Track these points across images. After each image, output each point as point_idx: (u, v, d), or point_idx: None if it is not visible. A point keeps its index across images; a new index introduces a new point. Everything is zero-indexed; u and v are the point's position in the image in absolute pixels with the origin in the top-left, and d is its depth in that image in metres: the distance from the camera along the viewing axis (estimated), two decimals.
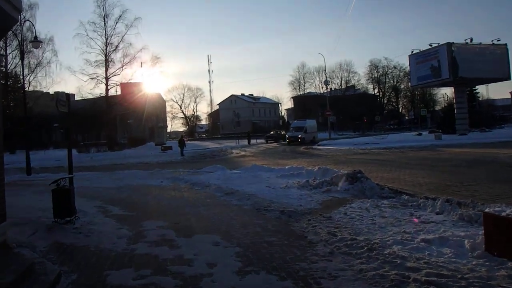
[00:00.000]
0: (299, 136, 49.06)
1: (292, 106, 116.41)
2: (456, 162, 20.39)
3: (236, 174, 18.43)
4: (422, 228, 7.96)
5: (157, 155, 41.48)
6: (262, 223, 9.14)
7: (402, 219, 8.84)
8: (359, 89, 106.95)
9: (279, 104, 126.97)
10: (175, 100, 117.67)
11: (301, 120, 58.84)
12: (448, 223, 8.31)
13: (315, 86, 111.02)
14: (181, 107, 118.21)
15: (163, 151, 46.19)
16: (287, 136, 51.46)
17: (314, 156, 30.32)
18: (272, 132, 63.77)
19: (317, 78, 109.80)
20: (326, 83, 69.42)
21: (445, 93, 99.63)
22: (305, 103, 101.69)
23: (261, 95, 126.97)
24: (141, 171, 22.39)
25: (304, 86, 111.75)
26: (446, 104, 77.59)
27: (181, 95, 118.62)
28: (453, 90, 55.67)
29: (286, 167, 19.66)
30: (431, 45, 50.40)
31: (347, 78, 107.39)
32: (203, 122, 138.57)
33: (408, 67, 59.62)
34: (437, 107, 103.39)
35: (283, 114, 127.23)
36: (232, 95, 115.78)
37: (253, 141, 57.90)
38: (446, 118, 54.09)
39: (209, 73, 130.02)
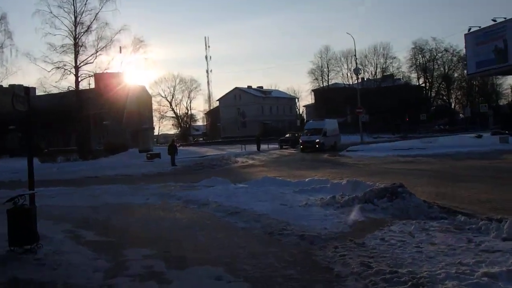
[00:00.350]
0: (317, 141, 48.46)
1: (313, 101, 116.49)
2: None
3: (242, 188, 18.39)
4: (484, 259, 7.88)
5: (142, 165, 41.55)
6: (276, 252, 9.13)
7: (457, 246, 8.77)
8: (399, 79, 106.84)
9: (297, 100, 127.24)
10: (163, 95, 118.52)
11: (318, 120, 58.30)
12: None
13: (342, 76, 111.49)
14: (171, 104, 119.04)
15: (149, 160, 46.30)
16: (300, 141, 50.77)
17: (341, 165, 30.25)
18: (287, 135, 63.81)
19: (345, 66, 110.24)
20: (357, 71, 69.40)
21: None
22: (329, 98, 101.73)
23: (273, 88, 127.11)
24: (121, 185, 22.41)
25: (328, 75, 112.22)
26: None
27: (172, 89, 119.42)
28: None
29: (306, 179, 19.61)
30: (495, 21, 49.37)
31: (384, 65, 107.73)
32: (200, 122, 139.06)
33: (464, 50, 59.32)
34: (502, 102, 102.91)
35: (301, 112, 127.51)
36: (236, 89, 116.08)
37: (263, 147, 57.85)
38: None
39: (206, 60, 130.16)
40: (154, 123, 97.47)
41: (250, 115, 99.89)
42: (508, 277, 6.91)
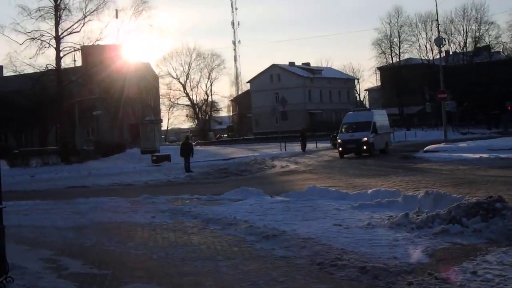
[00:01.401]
0: (364, 139, 45.42)
1: (379, 83, 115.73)
2: None
3: (281, 203, 18.42)
4: None
5: (145, 170, 41.86)
6: None
7: None
8: (498, 52, 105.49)
9: (356, 81, 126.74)
10: (175, 76, 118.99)
11: (363, 110, 56.34)
12: None
13: (419, 49, 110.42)
14: (185, 88, 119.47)
15: (155, 164, 46.64)
16: (338, 140, 47.59)
17: (416, 171, 30.03)
18: None
19: (423, 35, 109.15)
20: (439, 42, 68.64)
21: None
22: (401, 78, 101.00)
23: (324, 65, 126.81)
24: (117, 199, 22.68)
25: (399, 48, 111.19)
26: None
27: (186, 67, 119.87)
28: None
29: (369, 191, 19.57)
30: None
31: (477, 34, 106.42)
32: (224, 113, 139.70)
33: None
34: None
35: (362, 98, 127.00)
36: (273, 66, 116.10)
37: (310, 146, 57.73)
38: None
39: (233, 27, 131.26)
40: (161, 114, 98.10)
41: (292, 103, 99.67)
42: None
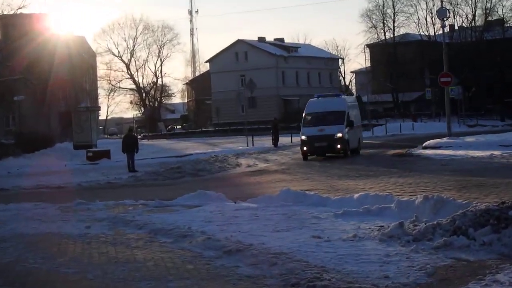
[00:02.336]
0: (338, 135, 41.98)
1: (368, 64, 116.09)
2: None
3: (247, 210, 18.46)
4: None
5: (79, 169, 41.70)
6: None
7: None
8: None
9: (341, 61, 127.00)
10: (116, 53, 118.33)
11: (331, 96, 50.86)
12: None
13: (417, 22, 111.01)
14: (129, 68, 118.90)
15: (91, 162, 46.43)
16: (302, 137, 43.42)
17: (413, 171, 30.21)
18: None
19: (422, 5, 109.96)
20: (442, 14, 69.04)
21: None
22: (396, 59, 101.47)
23: (301, 42, 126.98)
24: (44, 204, 22.54)
25: (394, 21, 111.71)
26: None
27: (130, 42, 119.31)
28: None
29: (355, 195, 19.66)
30: None
31: (488, 5, 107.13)
32: (177, 99, 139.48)
33: None
34: None
35: (348, 82, 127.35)
36: (238, 42, 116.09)
37: (284, 139, 57.86)
38: None
39: None
40: (100, 100, 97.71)
41: (262, 87, 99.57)
42: None
